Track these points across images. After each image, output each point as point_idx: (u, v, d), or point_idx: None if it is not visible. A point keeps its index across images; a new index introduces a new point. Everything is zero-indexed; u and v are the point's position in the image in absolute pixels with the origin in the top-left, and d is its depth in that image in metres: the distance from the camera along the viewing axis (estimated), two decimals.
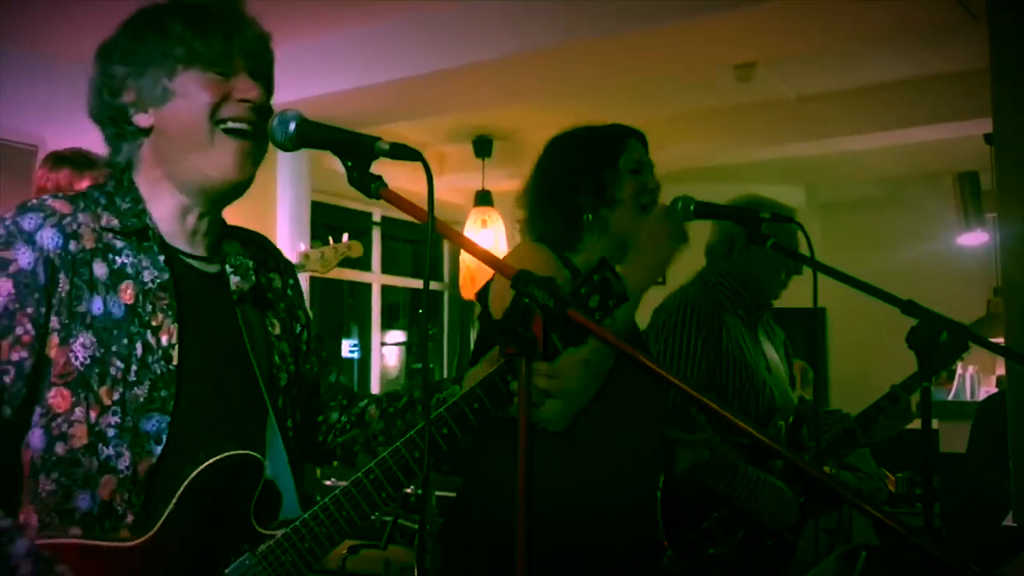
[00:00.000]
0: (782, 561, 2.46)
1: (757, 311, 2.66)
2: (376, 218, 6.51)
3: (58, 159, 2.99)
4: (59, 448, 1.25)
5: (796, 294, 2.88)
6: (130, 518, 1.26)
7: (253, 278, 1.44)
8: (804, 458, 1.60)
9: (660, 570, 2.34)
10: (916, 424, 2.02)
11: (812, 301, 2.34)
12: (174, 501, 1.25)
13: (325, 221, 5.73)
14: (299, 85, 4.36)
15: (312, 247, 3.85)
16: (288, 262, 1.61)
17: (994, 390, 5.12)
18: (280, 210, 4.89)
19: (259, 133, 1.36)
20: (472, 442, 1.44)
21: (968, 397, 5.41)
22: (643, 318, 2.51)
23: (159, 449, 1.27)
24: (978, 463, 3.59)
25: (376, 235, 6.57)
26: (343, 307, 6.73)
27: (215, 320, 1.38)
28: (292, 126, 1.26)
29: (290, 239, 4.88)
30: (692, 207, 1.98)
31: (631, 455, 1.98)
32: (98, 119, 1.40)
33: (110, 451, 1.26)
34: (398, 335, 7.16)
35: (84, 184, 2.99)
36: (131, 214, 1.35)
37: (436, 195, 1.17)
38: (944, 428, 4.77)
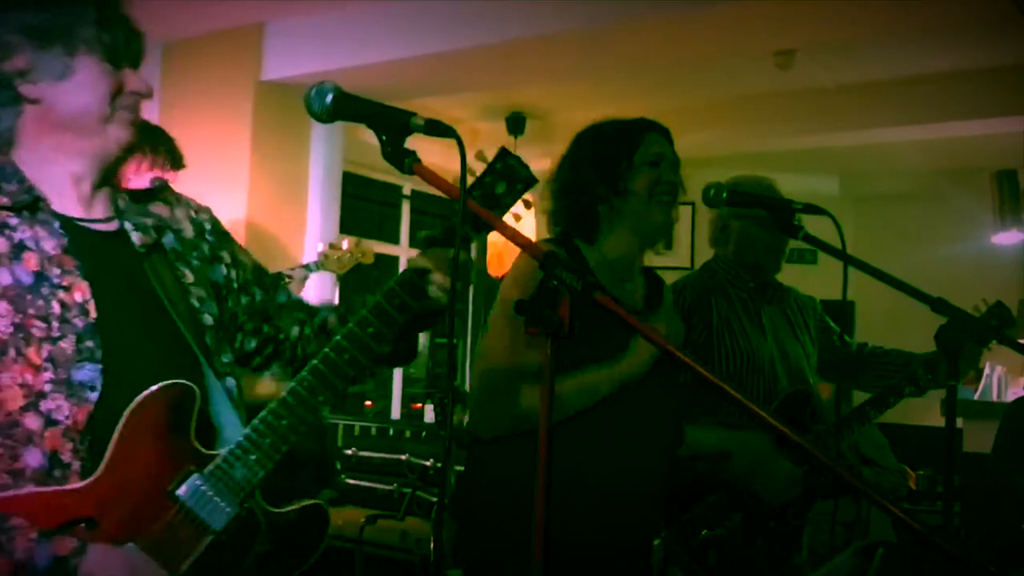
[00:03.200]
0: (785, 547, 2.45)
1: (764, 291, 2.61)
2: (406, 191, 6.53)
3: None
4: None
5: (826, 286, 2.86)
6: (77, 465, 1.31)
7: (154, 234, 1.49)
8: (818, 443, 1.59)
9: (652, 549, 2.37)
10: (940, 422, 2.01)
11: (842, 294, 2.33)
12: (115, 437, 1.30)
13: (356, 192, 5.75)
14: (335, 56, 4.37)
15: (331, 247, 3.93)
16: (203, 208, 1.65)
17: (1022, 392, 5.06)
18: (312, 180, 4.90)
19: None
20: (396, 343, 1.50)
21: (995, 397, 5.35)
22: None
23: (95, 396, 1.32)
24: (1003, 465, 3.56)
25: (405, 208, 6.58)
26: (369, 279, 6.76)
27: (123, 274, 1.43)
28: (329, 98, 1.27)
29: (321, 208, 4.90)
30: (724, 195, 1.98)
31: (646, 446, 1.98)
32: None
33: (50, 405, 1.30)
34: None
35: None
36: (20, 191, 1.39)
37: (466, 170, 1.17)
38: (968, 427, 4.72)
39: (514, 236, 1.22)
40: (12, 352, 1.30)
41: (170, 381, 1.33)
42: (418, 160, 1.24)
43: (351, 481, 4.10)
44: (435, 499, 3.71)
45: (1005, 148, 5.16)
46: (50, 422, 1.30)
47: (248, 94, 4.58)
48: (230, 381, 1.48)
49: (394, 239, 6.54)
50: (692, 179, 2.13)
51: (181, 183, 3.37)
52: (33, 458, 1.29)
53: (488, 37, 4.00)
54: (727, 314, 2.52)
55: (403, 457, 3.98)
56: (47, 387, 1.30)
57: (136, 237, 1.46)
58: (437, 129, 1.21)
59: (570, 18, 3.80)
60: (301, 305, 1.68)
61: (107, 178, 1.47)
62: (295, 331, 1.65)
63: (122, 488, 1.30)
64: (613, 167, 2.02)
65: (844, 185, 6.54)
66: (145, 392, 1.31)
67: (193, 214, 1.61)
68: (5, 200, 1.37)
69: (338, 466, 4.17)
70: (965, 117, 4.84)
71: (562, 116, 5.45)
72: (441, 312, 1.52)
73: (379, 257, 6.54)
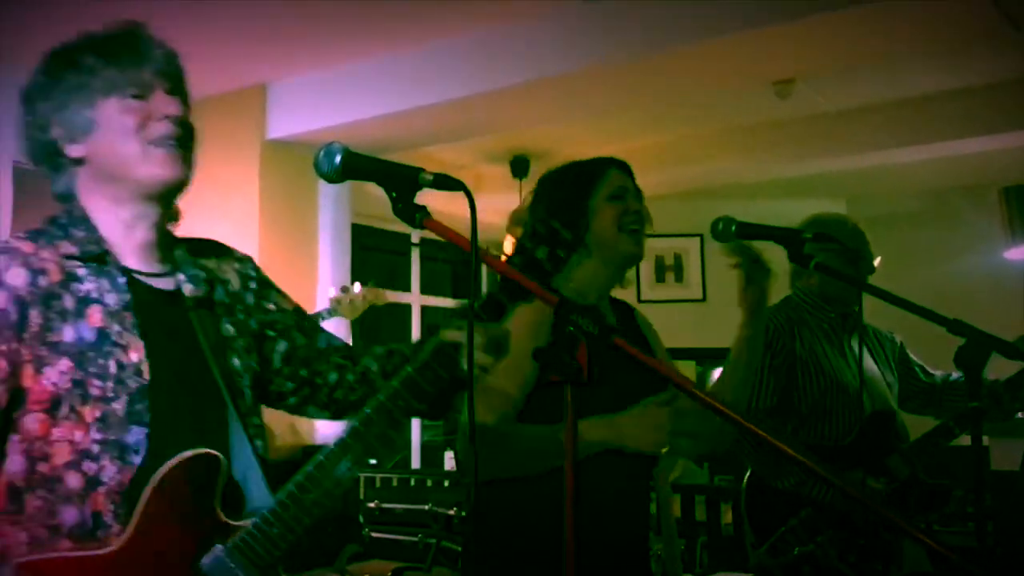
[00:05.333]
0: (880, 561, 2.45)
1: (845, 321, 2.69)
2: (415, 239, 6.56)
3: None
4: (42, 467, 1.31)
5: None
6: (116, 528, 1.31)
7: (205, 287, 1.51)
8: (852, 484, 1.58)
9: (749, 566, 2.46)
10: (966, 440, 1.99)
11: (859, 318, 2.33)
12: (141, 506, 1.30)
13: (365, 243, 5.79)
14: (339, 111, 4.42)
15: (342, 291, 3.95)
16: (245, 257, 1.68)
17: None
18: (322, 233, 4.94)
19: (185, 141, 1.45)
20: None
21: (1020, 414, 5.30)
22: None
23: (138, 460, 1.33)
24: None
25: (415, 256, 6.62)
26: (381, 326, 6.78)
27: (175, 331, 1.45)
28: (337, 159, 1.29)
29: (332, 261, 4.93)
30: (733, 228, 1.98)
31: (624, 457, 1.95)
32: (33, 158, 1.48)
33: (96, 466, 1.32)
34: None
35: None
36: (88, 241, 1.42)
37: (476, 222, 1.18)
38: (995, 445, 4.67)
39: (526, 283, 1.23)
40: (66, 408, 1.32)
41: (197, 451, 1.34)
42: (428, 215, 1.25)
43: (375, 534, 4.08)
44: (461, 548, 3.68)
45: (1011, 163, 5.16)
46: (95, 482, 1.31)
47: (254, 154, 4.64)
48: (258, 443, 1.49)
49: (405, 287, 6.57)
50: (699, 211, 2.15)
51: None
52: (70, 515, 1.31)
53: (488, 83, 4.05)
54: (811, 342, 2.61)
55: (426, 507, 3.96)
56: (94, 447, 1.32)
57: (188, 289, 1.48)
58: (446, 183, 1.22)
59: (566, 60, 3.84)
60: (343, 350, 1.67)
61: (160, 225, 1.49)
62: (333, 377, 1.64)
63: (145, 557, 1.30)
64: (575, 209, 2.02)
65: (851, 208, 6.53)
66: (171, 461, 1.32)
67: (237, 265, 1.64)
68: (74, 249, 1.40)
69: (361, 519, 4.14)
70: (968, 134, 4.85)
71: (566, 155, 5.44)
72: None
73: (391, 306, 6.58)
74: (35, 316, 1.33)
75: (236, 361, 1.51)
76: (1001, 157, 5.21)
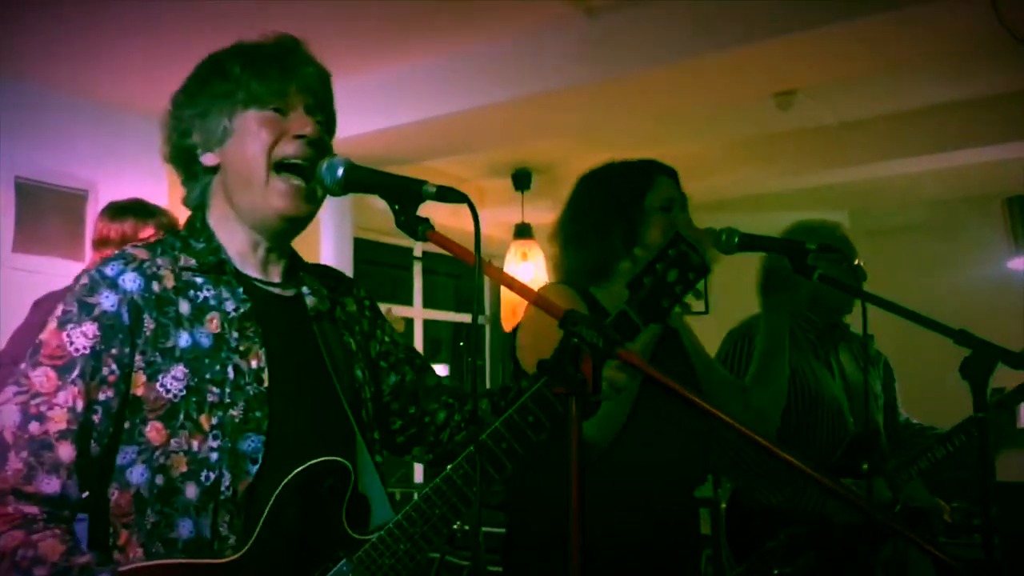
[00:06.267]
0: None
1: (832, 332, 2.66)
2: (417, 253, 6.56)
3: (120, 209, 3.00)
4: (159, 479, 1.28)
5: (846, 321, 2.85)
6: (233, 539, 1.28)
7: (328, 302, 1.50)
8: (851, 489, 1.55)
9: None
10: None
11: (862, 331, 2.32)
12: (266, 513, 1.27)
13: (367, 257, 5.79)
14: (341, 124, 4.41)
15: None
16: (361, 287, 1.67)
17: None
18: (323, 247, 4.94)
19: (314, 168, 1.40)
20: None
21: (1022, 424, 5.27)
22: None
23: (255, 468, 1.30)
24: None
25: (417, 270, 6.61)
26: None
27: (296, 339, 1.43)
28: (340, 172, 1.29)
29: None
30: (736, 239, 1.98)
31: (679, 446, 1.99)
32: (171, 161, 1.48)
33: (212, 475, 1.28)
34: (441, 369, 7.18)
35: (147, 233, 3.02)
36: (206, 252, 1.41)
37: (480, 235, 1.18)
38: (1000, 456, 4.65)
39: (532, 296, 1.22)
40: (182, 416, 1.29)
41: (327, 458, 1.31)
42: (431, 227, 1.25)
43: None
44: (465, 563, 3.66)
45: (1016, 173, 5.16)
46: (213, 493, 1.28)
47: None
48: (378, 458, 1.47)
49: (407, 301, 6.56)
50: (702, 224, 2.13)
51: None
52: (185, 528, 1.27)
53: (490, 97, 4.05)
54: (796, 355, 2.57)
55: None
56: (213, 456, 1.29)
57: (311, 301, 1.47)
58: (449, 195, 1.21)
59: (571, 73, 3.85)
60: (451, 390, 1.65)
61: (279, 245, 1.48)
62: (441, 416, 1.62)
63: (268, 566, 1.27)
64: (625, 216, 2.02)
65: (854, 220, 6.53)
66: (300, 468, 1.29)
67: (355, 291, 1.63)
68: (192, 262, 1.39)
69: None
70: (970, 145, 4.85)
71: (568, 168, 5.47)
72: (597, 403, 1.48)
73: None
74: (148, 321, 1.31)
75: (359, 373, 1.49)
76: (1005, 168, 5.20)
